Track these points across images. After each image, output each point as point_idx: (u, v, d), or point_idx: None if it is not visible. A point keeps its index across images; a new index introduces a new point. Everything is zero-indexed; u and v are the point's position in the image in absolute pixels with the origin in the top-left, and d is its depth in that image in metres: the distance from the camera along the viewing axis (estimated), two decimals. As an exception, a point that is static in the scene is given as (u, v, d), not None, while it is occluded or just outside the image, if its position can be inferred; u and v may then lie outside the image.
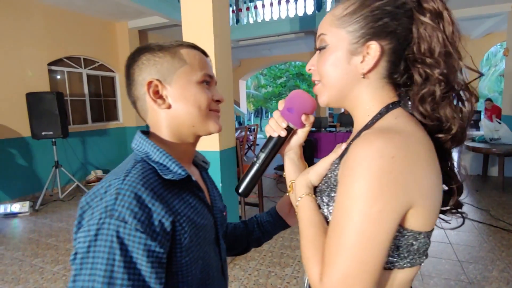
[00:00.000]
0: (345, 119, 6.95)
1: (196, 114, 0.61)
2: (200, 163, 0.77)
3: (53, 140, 4.34)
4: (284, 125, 0.61)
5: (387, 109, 0.54)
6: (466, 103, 0.53)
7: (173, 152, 0.62)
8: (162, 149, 0.59)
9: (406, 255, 0.49)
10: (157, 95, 0.60)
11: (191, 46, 0.64)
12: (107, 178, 0.54)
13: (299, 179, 0.60)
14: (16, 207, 3.92)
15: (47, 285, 2.31)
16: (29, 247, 2.99)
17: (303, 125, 0.63)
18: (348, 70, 0.54)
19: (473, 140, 4.89)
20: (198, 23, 2.30)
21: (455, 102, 0.53)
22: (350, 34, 0.53)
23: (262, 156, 0.62)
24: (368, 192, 0.43)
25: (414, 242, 0.48)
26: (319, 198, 0.57)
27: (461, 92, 0.53)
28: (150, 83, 0.59)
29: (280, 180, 5.11)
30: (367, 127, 0.54)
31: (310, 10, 6.72)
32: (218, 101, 0.65)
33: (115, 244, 0.46)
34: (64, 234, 3.28)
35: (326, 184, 0.57)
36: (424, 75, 0.52)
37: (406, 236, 0.48)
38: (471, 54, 0.54)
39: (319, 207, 0.57)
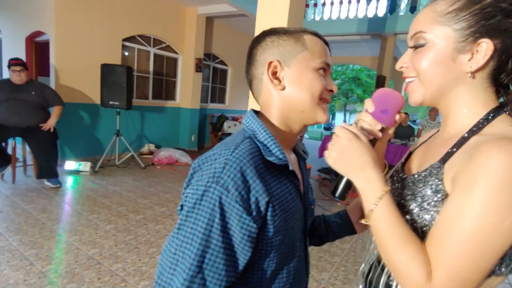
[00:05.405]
0: (402, 131, 5.97)
1: (308, 99, 0.61)
2: (300, 152, 0.76)
3: (118, 110, 4.71)
4: (379, 127, 0.60)
5: (496, 114, 0.51)
6: None
7: (277, 135, 0.63)
8: (268, 131, 0.60)
9: (508, 262, 0.48)
10: (275, 76, 0.62)
11: (314, 34, 0.64)
12: (218, 146, 0.57)
13: (373, 178, 0.52)
14: (80, 165, 4.34)
15: (100, 241, 2.53)
16: (87, 203, 3.30)
17: (395, 123, 0.62)
18: (451, 67, 0.52)
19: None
20: (273, 15, 2.30)
21: None
22: (457, 32, 0.51)
23: None
24: (501, 205, 0.42)
25: None
26: (404, 205, 0.56)
27: None
28: (270, 63, 0.62)
29: (323, 183, 5.00)
30: (473, 132, 0.52)
31: (381, 12, 6.41)
32: (331, 91, 0.64)
33: (216, 208, 0.50)
34: (117, 197, 3.56)
35: (420, 194, 0.53)
36: None
37: None
38: None
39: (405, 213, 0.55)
